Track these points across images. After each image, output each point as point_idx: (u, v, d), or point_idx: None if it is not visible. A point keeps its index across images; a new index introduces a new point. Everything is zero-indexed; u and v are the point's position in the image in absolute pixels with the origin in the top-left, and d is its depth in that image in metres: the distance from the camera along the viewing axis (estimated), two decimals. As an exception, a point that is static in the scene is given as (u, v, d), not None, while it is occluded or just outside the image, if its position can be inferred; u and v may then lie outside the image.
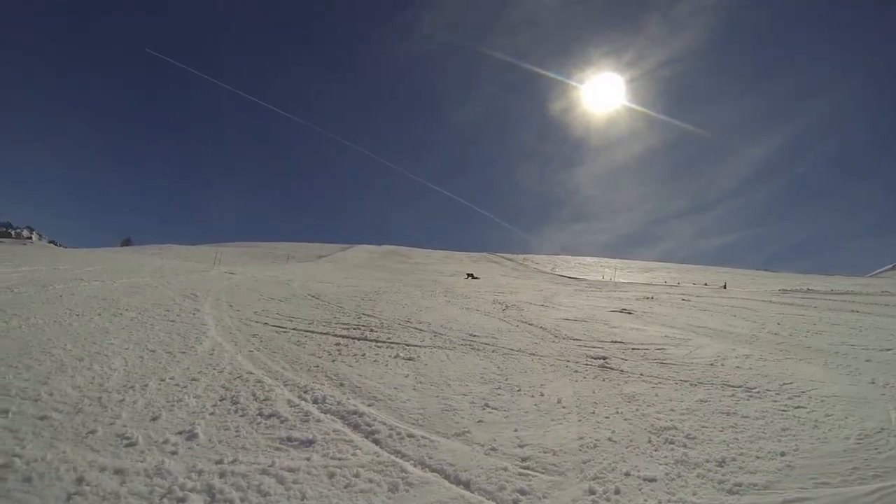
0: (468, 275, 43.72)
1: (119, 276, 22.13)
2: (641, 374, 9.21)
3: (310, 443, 5.64)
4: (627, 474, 5.20)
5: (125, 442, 5.49)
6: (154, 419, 6.19)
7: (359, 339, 11.25)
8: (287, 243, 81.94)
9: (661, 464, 5.51)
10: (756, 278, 60.06)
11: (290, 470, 4.94)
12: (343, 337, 11.50)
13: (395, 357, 9.82)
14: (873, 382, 9.04)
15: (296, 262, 48.60)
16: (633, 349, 11.34)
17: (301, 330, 12.23)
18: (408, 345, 10.80)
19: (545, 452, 5.64)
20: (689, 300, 24.19)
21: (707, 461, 5.58)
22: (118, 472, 4.80)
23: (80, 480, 4.62)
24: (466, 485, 4.82)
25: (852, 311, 21.16)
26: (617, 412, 7.12)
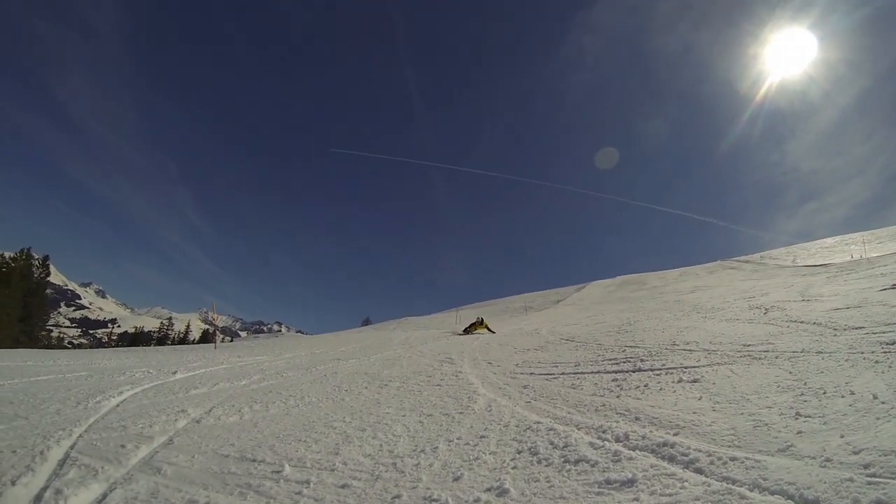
0: (475, 325, 35.22)
1: (371, 352, 23.27)
2: None
3: (631, 483, 5.37)
4: None
5: None
6: (456, 479, 6.15)
7: (633, 372, 10.87)
8: (521, 295, 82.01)
9: None
10: None
11: None
12: (616, 372, 11.15)
13: (679, 381, 9.36)
14: None
15: (534, 312, 48.79)
16: None
17: (570, 373, 11.97)
18: (685, 367, 10.31)
19: (886, 455, 5.05)
20: None
21: None
22: None
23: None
24: (816, 503, 4.40)
25: None
26: None
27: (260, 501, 5.98)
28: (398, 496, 5.79)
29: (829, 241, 67.15)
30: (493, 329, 33.60)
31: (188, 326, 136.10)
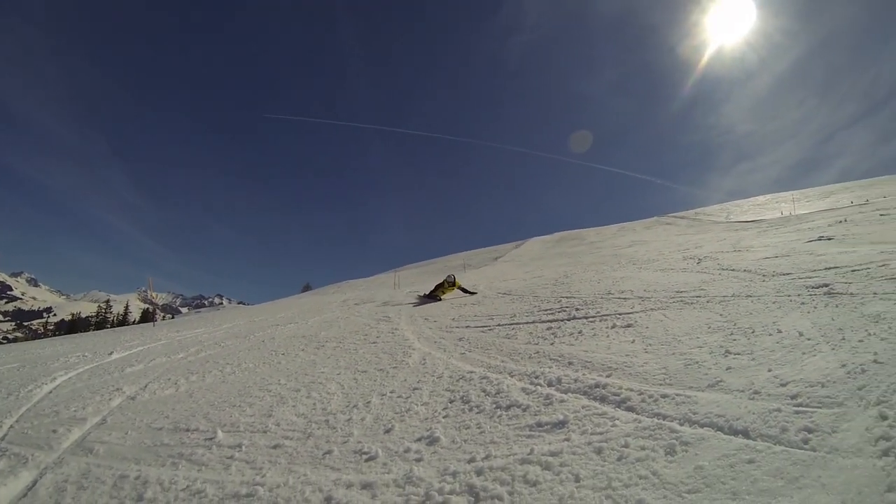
0: (443, 287, 25.06)
1: (310, 315, 23.35)
2: (875, 294, 8.45)
3: (562, 424, 5.38)
4: None
5: (365, 457, 5.48)
6: (387, 431, 6.16)
7: (568, 320, 10.94)
8: (460, 253, 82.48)
9: None
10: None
11: (553, 454, 4.70)
12: (551, 321, 11.22)
13: (613, 327, 9.43)
14: None
15: (473, 269, 48.89)
16: (852, 271, 10.51)
17: (505, 325, 12.02)
18: (620, 314, 10.40)
19: (812, 386, 5.18)
20: (888, 214, 22.78)
21: None
22: (366, 486, 4.78)
23: (328, 500, 4.63)
24: (745, 433, 4.45)
25: None
26: (869, 334, 6.49)
27: (192, 469, 5.96)
28: (329, 451, 5.78)
29: (761, 199, 68.95)
30: (469, 288, 24.67)
31: (127, 307, 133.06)
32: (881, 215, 22.55)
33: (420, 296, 26.54)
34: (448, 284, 24.82)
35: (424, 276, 51.77)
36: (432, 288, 26.37)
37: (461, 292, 24.26)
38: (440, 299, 23.61)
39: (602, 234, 62.61)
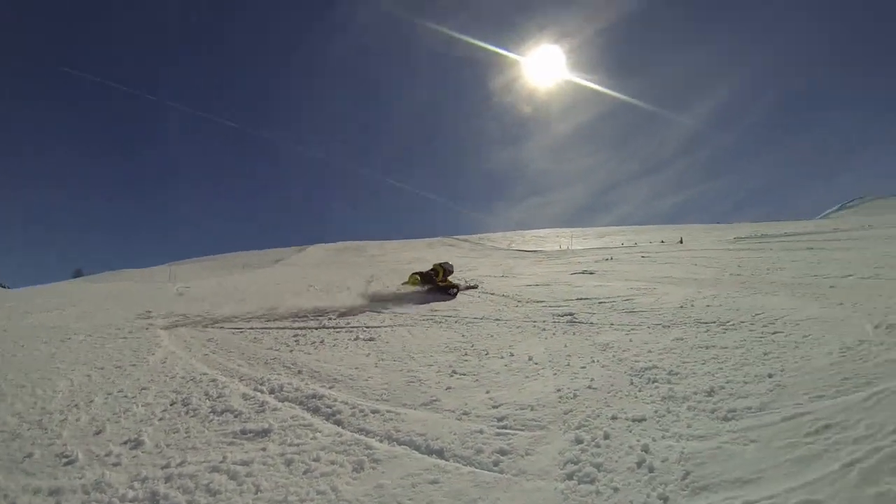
0: (420, 274, 19.00)
1: (68, 305, 21.57)
2: (612, 324, 9.13)
3: (265, 433, 5.31)
4: (614, 418, 5.02)
5: (64, 461, 5.16)
6: (98, 433, 5.83)
7: (317, 328, 10.97)
8: (243, 252, 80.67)
9: (648, 403, 5.35)
10: (710, 231, 60.93)
11: (244, 463, 4.62)
12: (301, 328, 11.20)
13: (356, 339, 9.56)
14: (842, 304, 9.17)
15: (252, 269, 47.94)
16: (599, 303, 11.30)
17: (259, 328, 11.87)
18: (368, 326, 10.57)
19: (522, 409, 5.41)
20: (648, 256, 24.52)
21: (695, 393, 5.48)
22: (53, 492, 4.50)
23: (10, 507, 4.23)
24: (440, 453, 4.54)
25: (808, 248, 21.70)
26: (593, 361, 6.98)
27: None
28: (30, 455, 5.38)
29: (544, 232, 72.23)
30: (466, 283, 18.57)
31: None
32: (642, 257, 24.24)
33: (416, 286, 17.98)
34: (444, 273, 17.79)
35: (203, 272, 50.29)
36: (419, 275, 18.61)
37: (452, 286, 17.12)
38: (451, 289, 16.75)
39: (384, 249, 63.28)
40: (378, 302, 15.02)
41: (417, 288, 18.11)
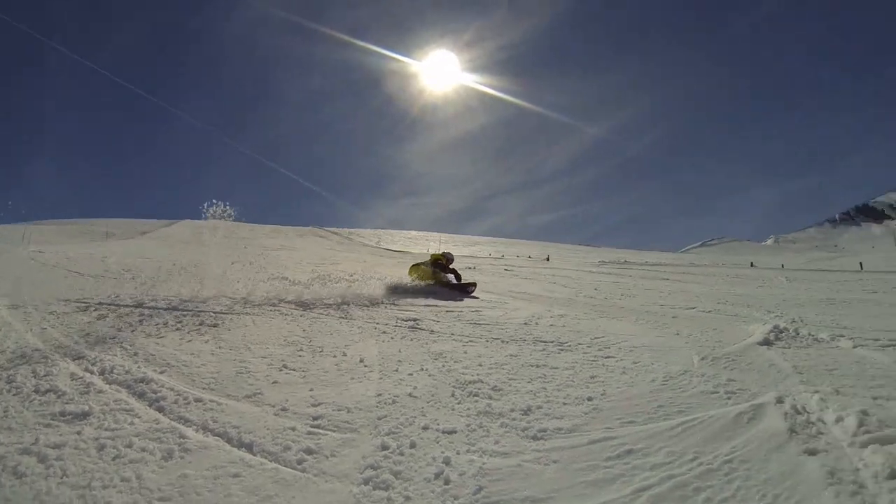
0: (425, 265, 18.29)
1: None
2: (452, 334, 9.38)
3: (85, 415, 5.21)
4: (426, 428, 5.17)
5: None
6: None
7: (167, 310, 10.74)
8: (108, 220, 78.20)
9: (462, 416, 5.51)
10: (578, 252, 62.73)
11: (56, 446, 4.52)
12: (151, 308, 10.94)
13: (200, 324, 9.46)
14: (678, 334, 9.69)
15: (116, 240, 46.49)
16: (447, 311, 11.62)
17: (106, 304, 11.48)
18: (215, 312, 10.47)
19: (339, 410, 5.56)
20: (511, 270, 25.18)
21: (512, 411, 5.62)
22: None
23: None
24: (249, 447, 4.61)
25: (663, 279, 23.08)
26: (422, 369, 7.17)
27: None
28: None
29: (415, 233, 72.75)
30: (467, 281, 17.73)
31: None
32: (505, 270, 24.91)
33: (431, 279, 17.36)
34: (442, 263, 17.83)
35: (61, 237, 48.63)
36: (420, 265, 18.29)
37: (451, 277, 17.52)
38: (468, 289, 16.69)
39: (255, 232, 62.67)
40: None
41: (427, 282, 16.91)
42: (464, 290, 16.55)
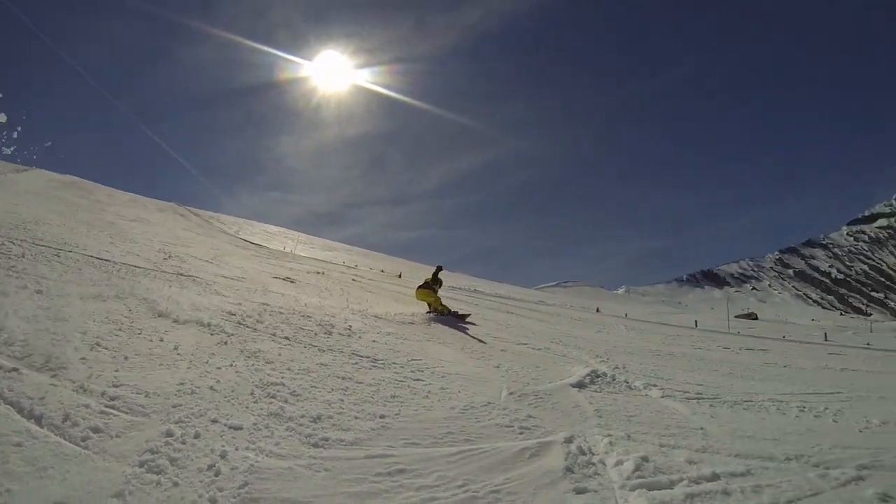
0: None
1: None
2: (274, 335, 9.42)
3: None
4: (215, 421, 5.38)
5: None
6: None
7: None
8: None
9: (254, 415, 5.71)
10: (427, 272, 62.75)
11: None
12: None
13: (24, 287, 8.99)
14: (498, 367, 9.90)
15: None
16: (278, 312, 11.45)
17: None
18: (43, 277, 9.96)
19: (137, 394, 5.66)
20: (358, 281, 24.91)
21: (302, 416, 5.85)
22: None
23: None
24: (38, 419, 4.70)
25: (508, 312, 23.46)
26: (232, 365, 7.27)
27: None
28: None
29: (275, 228, 71.23)
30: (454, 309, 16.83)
31: None
32: (353, 280, 24.90)
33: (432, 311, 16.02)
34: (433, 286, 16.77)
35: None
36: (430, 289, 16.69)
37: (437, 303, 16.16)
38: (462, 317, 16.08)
39: (114, 199, 59.53)
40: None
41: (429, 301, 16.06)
42: (461, 319, 15.58)
